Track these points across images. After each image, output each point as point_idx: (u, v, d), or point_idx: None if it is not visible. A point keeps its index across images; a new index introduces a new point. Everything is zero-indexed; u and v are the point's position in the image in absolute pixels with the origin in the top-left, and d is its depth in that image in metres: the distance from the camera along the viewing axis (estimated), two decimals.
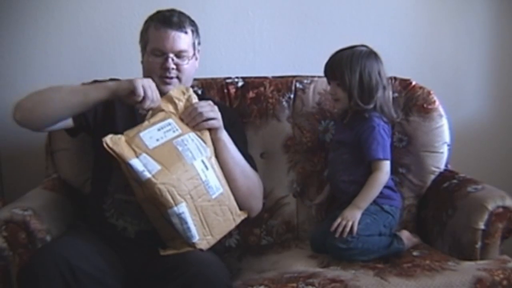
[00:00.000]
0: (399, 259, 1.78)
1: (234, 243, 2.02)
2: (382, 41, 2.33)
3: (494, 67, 2.44)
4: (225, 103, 2.05)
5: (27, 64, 2.24)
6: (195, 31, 1.83)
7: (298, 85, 2.09)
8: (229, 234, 2.00)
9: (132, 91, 1.59)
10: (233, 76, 2.12)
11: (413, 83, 2.08)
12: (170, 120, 1.63)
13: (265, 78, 2.11)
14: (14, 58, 2.24)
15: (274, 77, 2.12)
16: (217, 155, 1.68)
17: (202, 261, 1.52)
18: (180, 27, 1.77)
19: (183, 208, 1.53)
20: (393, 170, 1.98)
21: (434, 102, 2.04)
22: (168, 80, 1.77)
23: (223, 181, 1.63)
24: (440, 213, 1.92)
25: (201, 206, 1.56)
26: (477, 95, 2.46)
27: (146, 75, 1.78)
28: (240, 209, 1.70)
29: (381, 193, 1.86)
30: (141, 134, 1.59)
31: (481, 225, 1.76)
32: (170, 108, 1.66)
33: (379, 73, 1.87)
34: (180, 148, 1.58)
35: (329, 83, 1.94)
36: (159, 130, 1.60)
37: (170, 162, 1.55)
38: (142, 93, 1.59)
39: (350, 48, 1.90)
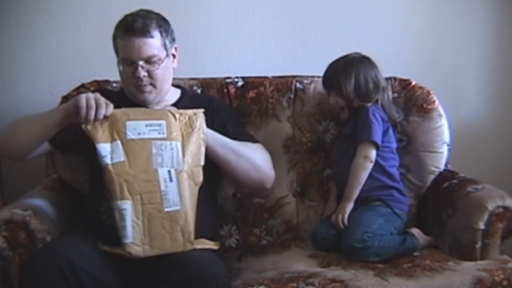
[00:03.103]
0: (399, 259, 1.78)
1: (234, 243, 2.02)
2: (382, 41, 2.34)
3: (494, 67, 2.44)
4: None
5: (27, 64, 2.24)
6: (164, 30, 1.76)
7: (298, 85, 2.09)
8: (229, 234, 2.01)
9: (77, 107, 1.59)
10: (233, 76, 2.12)
11: (413, 83, 2.08)
12: (162, 122, 1.62)
13: (265, 78, 2.11)
14: (14, 58, 2.24)
15: (274, 77, 2.12)
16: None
17: (201, 261, 1.52)
18: (143, 33, 1.70)
19: (126, 205, 1.53)
20: None
21: (434, 102, 2.04)
22: (142, 89, 1.75)
23: (188, 203, 1.58)
24: (440, 213, 1.92)
25: (149, 213, 1.54)
26: (477, 95, 2.46)
27: (123, 84, 1.81)
28: (250, 184, 1.79)
29: (392, 195, 1.90)
30: (128, 123, 1.60)
31: (481, 225, 1.76)
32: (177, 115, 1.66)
33: (376, 76, 1.92)
34: (153, 151, 1.58)
35: (328, 94, 1.97)
36: (146, 126, 1.61)
37: (135, 158, 1.56)
38: (84, 105, 1.58)
39: (343, 57, 1.95)
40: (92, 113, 1.58)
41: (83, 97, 1.60)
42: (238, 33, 2.31)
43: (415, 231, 1.89)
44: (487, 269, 1.67)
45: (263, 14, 2.31)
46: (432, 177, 2.02)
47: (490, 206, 1.75)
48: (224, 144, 1.74)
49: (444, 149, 2.04)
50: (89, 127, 1.58)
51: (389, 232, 1.84)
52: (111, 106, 1.62)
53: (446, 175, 2.01)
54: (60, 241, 1.60)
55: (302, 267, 1.76)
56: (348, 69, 1.90)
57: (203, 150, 1.64)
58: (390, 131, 1.94)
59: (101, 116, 1.59)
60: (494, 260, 1.75)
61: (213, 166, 1.79)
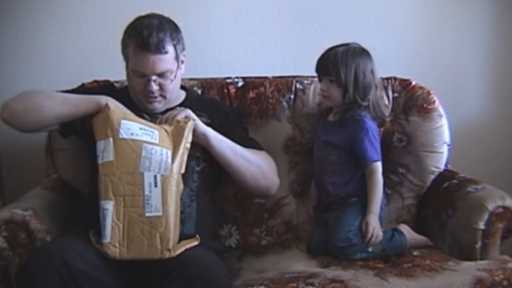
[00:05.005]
0: (399, 259, 1.78)
1: (234, 243, 2.01)
2: (382, 41, 2.34)
3: (494, 67, 2.44)
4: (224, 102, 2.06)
5: (27, 65, 2.24)
6: (177, 42, 1.73)
7: (298, 85, 2.09)
8: (229, 234, 2.01)
9: None
10: (233, 76, 2.12)
11: (413, 83, 2.08)
12: (156, 131, 1.62)
13: (265, 78, 2.11)
14: (14, 58, 2.24)
15: (274, 77, 2.12)
16: (209, 150, 1.72)
17: (201, 261, 1.52)
18: (159, 49, 1.67)
19: (109, 206, 1.54)
20: (393, 170, 2.00)
21: (434, 102, 2.04)
22: (152, 99, 1.75)
23: (171, 210, 1.56)
24: (440, 213, 1.92)
25: (129, 215, 1.54)
26: (477, 95, 2.46)
27: (131, 91, 1.79)
28: (257, 191, 1.83)
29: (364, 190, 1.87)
30: (123, 121, 1.60)
31: (481, 225, 1.76)
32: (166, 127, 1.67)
33: (372, 72, 1.88)
34: (143, 153, 1.57)
35: (320, 79, 1.92)
36: (140, 129, 1.61)
37: (123, 159, 1.56)
38: None
39: (343, 45, 1.90)
40: None
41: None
42: (238, 33, 2.31)
43: (404, 228, 1.89)
44: (487, 269, 1.67)
45: (263, 14, 2.31)
46: (432, 177, 2.02)
47: (490, 206, 1.76)
48: (235, 150, 1.76)
49: (444, 149, 2.04)
50: (95, 123, 1.61)
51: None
52: None
53: (446, 175, 2.01)
54: (57, 241, 1.60)
55: (302, 267, 1.76)
56: (349, 59, 1.84)
57: (185, 158, 1.64)
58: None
59: None
60: (494, 260, 1.75)
61: (213, 166, 1.79)
